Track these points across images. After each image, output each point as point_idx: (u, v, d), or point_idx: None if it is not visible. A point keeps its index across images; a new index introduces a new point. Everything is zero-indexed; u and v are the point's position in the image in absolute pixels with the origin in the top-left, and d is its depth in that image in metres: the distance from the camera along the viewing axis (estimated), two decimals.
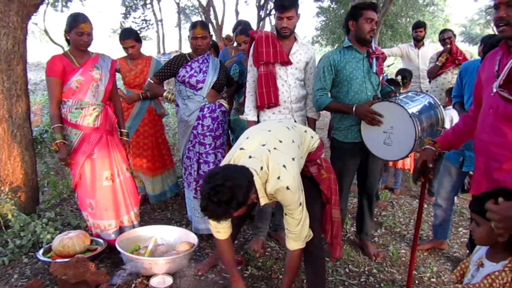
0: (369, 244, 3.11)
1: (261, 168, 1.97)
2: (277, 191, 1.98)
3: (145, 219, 3.59)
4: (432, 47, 5.34)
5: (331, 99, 2.77)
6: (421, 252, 3.11)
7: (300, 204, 2.04)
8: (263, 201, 2.03)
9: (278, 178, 1.96)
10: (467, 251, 3.00)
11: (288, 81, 2.84)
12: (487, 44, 2.71)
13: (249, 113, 2.93)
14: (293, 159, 2.05)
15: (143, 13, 17.08)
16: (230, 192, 1.79)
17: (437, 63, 4.46)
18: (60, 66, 2.73)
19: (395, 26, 17.94)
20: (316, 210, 2.23)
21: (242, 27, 3.53)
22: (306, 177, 2.26)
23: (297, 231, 2.11)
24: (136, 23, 16.39)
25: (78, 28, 2.71)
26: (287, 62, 2.80)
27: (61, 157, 2.76)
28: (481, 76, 1.93)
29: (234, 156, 2.08)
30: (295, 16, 2.75)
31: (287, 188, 1.96)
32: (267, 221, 3.12)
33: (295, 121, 2.85)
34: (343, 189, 2.85)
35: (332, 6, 18.19)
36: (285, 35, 2.78)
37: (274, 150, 2.03)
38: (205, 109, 3.03)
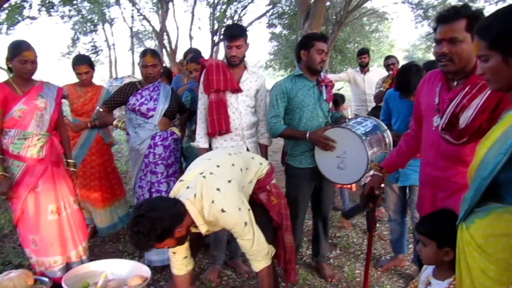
0: (325, 266, 3.14)
1: (195, 195, 1.96)
2: (214, 216, 1.96)
3: (95, 252, 3.42)
4: (377, 72, 5.63)
5: (285, 126, 2.82)
6: (375, 271, 3.17)
7: (246, 223, 2.02)
8: (203, 228, 2.01)
9: (213, 202, 1.95)
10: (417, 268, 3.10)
11: (239, 108, 2.87)
12: (399, 75, 3.08)
13: (200, 141, 2.92)
14: (229, 181, 2.04)
15: (93, 39, 16.84)
16: (149, 223, 1.80)
17: (381, 88, 4.68)
18: (1, 95, 2.60)
19: (344, 51, 18.86)
20: (268, 236, 2.23)
21: (192, 55, 3.55)
22: (257, 204, 2.26)
23: (254, 251, 2.09)
24: (85, 48, 16.11)
25: (21, 56, 2.60)
26: (237, 90, 2.84)
27: (1, 191, 2.59)
28: (420, 100, 2.01)
29: (175, 189, 2.10)
30: (244, 45, 2.81)
31: (222, 210, 1.95)
32: (222, 249, 3.08)
33: (247, 148, 2.88)
34: (299, 214, 2.89)
35: (284, 32, 18.81)
36: (234, 63, 2.83)
37: (210, 175, 2.04)
38: (157, 137, 2.98)
